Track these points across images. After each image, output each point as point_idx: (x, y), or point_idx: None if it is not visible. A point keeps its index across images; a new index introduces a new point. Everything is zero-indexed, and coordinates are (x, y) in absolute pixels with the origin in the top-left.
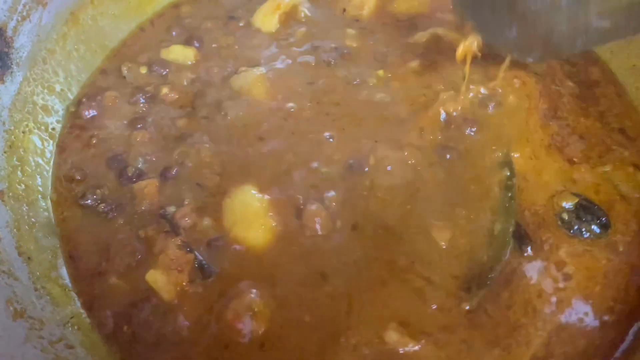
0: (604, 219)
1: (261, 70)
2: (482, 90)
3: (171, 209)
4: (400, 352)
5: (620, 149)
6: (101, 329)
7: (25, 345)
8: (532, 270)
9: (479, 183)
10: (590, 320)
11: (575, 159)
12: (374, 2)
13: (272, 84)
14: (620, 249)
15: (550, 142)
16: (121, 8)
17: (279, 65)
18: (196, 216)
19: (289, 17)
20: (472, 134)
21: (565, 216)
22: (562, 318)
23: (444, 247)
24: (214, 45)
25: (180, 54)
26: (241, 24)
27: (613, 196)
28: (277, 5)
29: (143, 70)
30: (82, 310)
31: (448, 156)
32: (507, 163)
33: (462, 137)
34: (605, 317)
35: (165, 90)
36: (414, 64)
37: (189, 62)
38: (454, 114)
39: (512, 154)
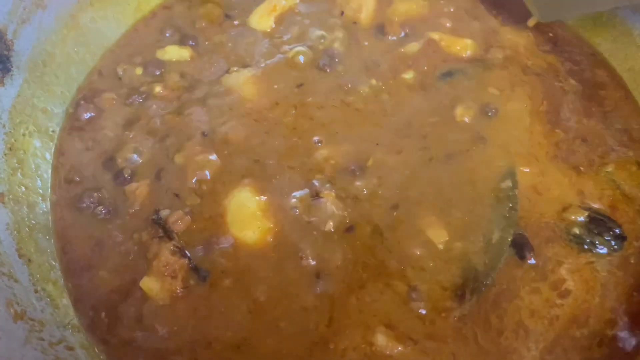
0: (617, 230)
1: (252, 70)
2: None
3: (165, 213)
4: (387, 353)
5: (624, 149)
6: (83, 320)
7: (25, 347)
8: (526, 288)
9: (479, 190)
10: (587, 335)
11: (581, 168)
12: (373, 6)
13: (262, 84)
14: (632, 260)
15: (555, 154)
16: (120, 10)
17: (270, 66)
18: (190, 219)
19: (285, 18)
20: (475, 142)
21: (577, 231)
22: (555, 335)
23: (441, 248)
24: (207, 44)
25: (175, 54)
26: (236, 23)
27: (616, 197)
28: (274, 6)
29: (138, 71)
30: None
31: (448, 162)
32: (511, 174)
33: (464, 145)
34: (607, 331)
35: (158, 89)
36: (408, 75)
37: (185, 61)
38: (457, 120)
39: (521, 168)
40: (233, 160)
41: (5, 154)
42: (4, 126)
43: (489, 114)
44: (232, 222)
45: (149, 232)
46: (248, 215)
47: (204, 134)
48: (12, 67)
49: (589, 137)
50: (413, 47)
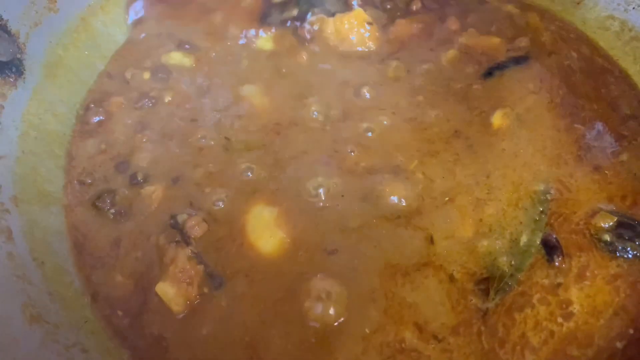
0: None
1: (264, 83)
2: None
3: (182, 217)
4: (415, 349)
5: (635, 135)
6: (100, 320)
7: (41, 350)
8: (537, 295)
9: (519, 192)
10: (591, 356)
11: (601, 166)
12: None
13: (274, 96)
14: None
15: (578, 153)
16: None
17: (281, 78)
18: (207, 225)
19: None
20: (516, 144)
21: (608, 237)
22: (555, 351)
23: (467, 244)
24: (213, 54)
25: (179, 60)
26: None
27: (637, 189)
28: None
29: (146, 75)
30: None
31: (491, 163)
32: (544, 178)
33: (507, 148)
34: (617, 344)
35: (168, 94)
36: (456, 84)
37: (190, 68)
38: (496, 124)
39: (554, 170)
40: (253, 174)
41: (17, 157)
42: (16, 129)
43: (526, 115)
44: (250, 230)
45: (166, 236)
46: (265, 224)
47: (225, 148)
48: (24, 70)
49: (601, 125)
50: (451, 54)
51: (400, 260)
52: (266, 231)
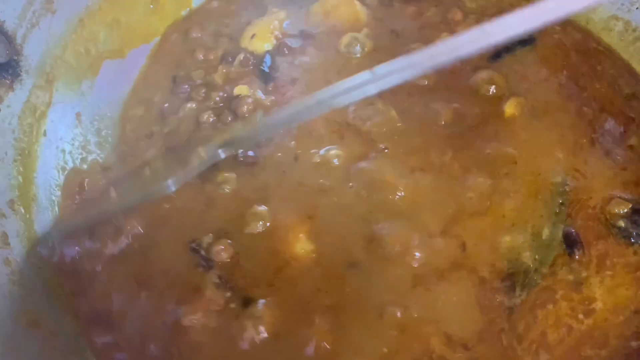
0: None
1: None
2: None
3: (207, 240)
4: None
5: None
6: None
7: (39, 357)
8: (561, 292)
9: (533, 183)
10: (605, 356)
11: (613, 152)
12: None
13: None
14: None
15: (591, 137)
16: (128, 15)
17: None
18: (234, 250)
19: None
20: (533, 134)
21: (622, 224)
22: (569, 349)
23: (491, 242)
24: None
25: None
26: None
27: None
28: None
29: None
30: None
31: (504, 152)
32: (563, 169)
33: (523, 139)
34: (632, 343)
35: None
36: (466, 68)
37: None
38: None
39: (570, 158)
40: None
41: (15, 160)
42: (13, 132)
43: (538, 101)
44: (279, 248)
45: (186, 260)
46: (296, 238)
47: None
48: (21, 72)
49: (607, 107)
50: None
51: (428, 269)
52: (295, 245)
